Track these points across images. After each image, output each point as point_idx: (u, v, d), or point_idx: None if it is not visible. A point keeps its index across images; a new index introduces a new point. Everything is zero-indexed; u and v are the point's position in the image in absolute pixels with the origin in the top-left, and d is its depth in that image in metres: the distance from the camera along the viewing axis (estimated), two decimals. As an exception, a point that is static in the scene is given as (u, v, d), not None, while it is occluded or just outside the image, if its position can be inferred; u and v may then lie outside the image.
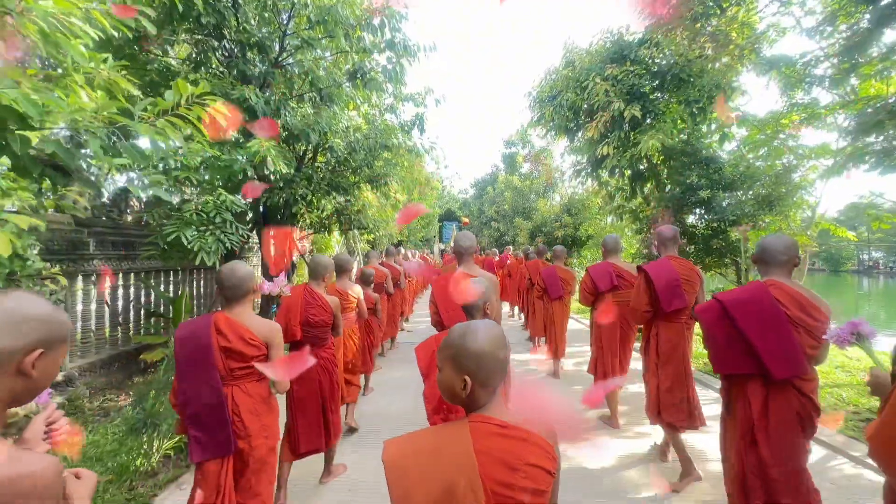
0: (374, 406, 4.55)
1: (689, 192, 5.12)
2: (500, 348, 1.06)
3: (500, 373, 1.06)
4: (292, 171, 6.14)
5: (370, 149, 6.40)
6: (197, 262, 4.07)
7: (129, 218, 5.59)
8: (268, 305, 6.75)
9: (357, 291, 3.90)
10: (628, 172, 7.28)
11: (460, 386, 1.03)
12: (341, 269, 3.87)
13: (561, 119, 7.83)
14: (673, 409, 2.96)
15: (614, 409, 3.83)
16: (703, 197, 4.96)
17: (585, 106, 6.83)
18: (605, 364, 3.90)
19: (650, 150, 5.44)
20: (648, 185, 7.19)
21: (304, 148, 6.60)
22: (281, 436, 2.27)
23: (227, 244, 4.21)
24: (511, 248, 13.98)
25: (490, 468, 0.98)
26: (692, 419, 2.96)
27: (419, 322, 9.87)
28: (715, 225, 5.22)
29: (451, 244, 4.69)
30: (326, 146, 5.74)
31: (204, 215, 4.04)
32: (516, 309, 10.43)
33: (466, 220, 31.10)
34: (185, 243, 3.90)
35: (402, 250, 12.28)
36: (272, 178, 5.29)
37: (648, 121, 6.03)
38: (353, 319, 3.93)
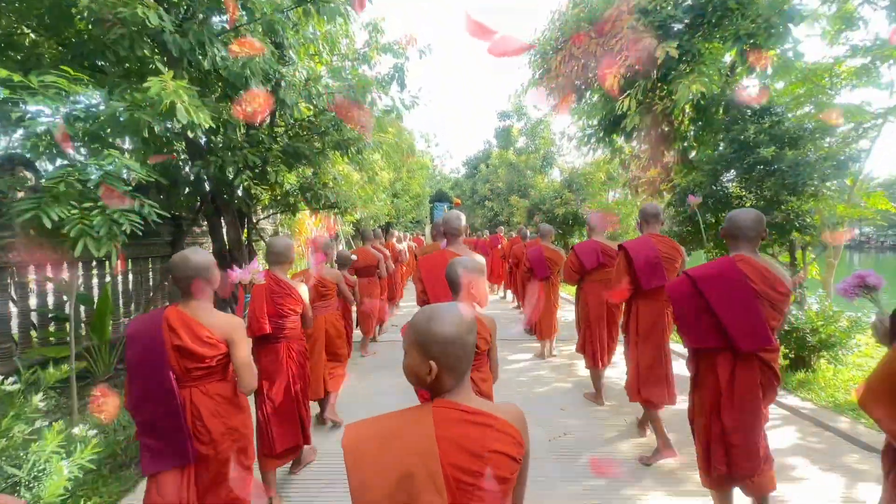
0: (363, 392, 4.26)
1: (746, 151, 3.96)
2: (468, 332, 1.02)
3: (467, 357, 1.03)
4: (239, 133, 4.90)
5: (338, 107, 5.15)
6: (77, 253, 2.87)
7: (21, 193, 4.33)
8: (223, 303, 5.57)
9: (336, 276, 3.65)
10: (648, 134, 6.10)
11: (425, 371, 1.00)
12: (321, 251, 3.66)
13: (568, 74, 6.58)
14: (652, 387, 2.98)
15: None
16: (765, 156, 3.81)
17: (600, 52, 5.59)
18: (594, 343, 3.90)
19: (693, 95, 4.26)
20: (675, 147, 6.02)
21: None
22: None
23: (126, 227, 3.02)
24: (503, 228, 13.27)
25: (452, 455, 0.95)
26: (670, 396, 3.00)
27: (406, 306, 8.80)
28: (769, 194, 4.10)
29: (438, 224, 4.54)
30: (279, 100, 4.48)
31: (80, 186, 2.82)
32: (509, 293, 9.83)
33: (458, 200, 30.22)
34: (51, 226, 2.70)
35: (396, 232, 11.24)
36: (194, 136, 4.05)
37: (682, 65, 4.84)
38: (335, 305, 3.71)
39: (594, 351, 3.89)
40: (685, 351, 2.30)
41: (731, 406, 2.02)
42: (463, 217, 2.83)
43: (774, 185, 3.90)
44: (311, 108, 5.38)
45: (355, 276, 5.04)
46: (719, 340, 2.03)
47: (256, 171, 4.70)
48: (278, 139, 5.13)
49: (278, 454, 2.63)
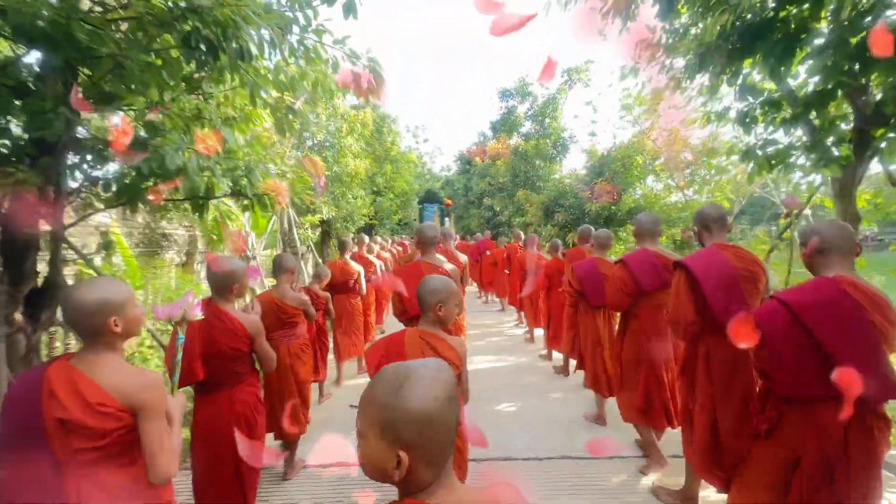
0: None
1: None
2: (452, 403, 0.74)
3: (450, 440, 0.74)
4: None
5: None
6: None
7: None
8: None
9: (298, 300, 3.15)
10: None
11: (392, 464, 0.70)
12: (282, 270, 3.17)
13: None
14: (738, 457, 2.13)
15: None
16: None
17: None
18: (658, 396, 2.89)
19: None
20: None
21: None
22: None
23: None
24: (489, 232, 11.76)
25: None
26: None
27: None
28: None
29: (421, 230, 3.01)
30: None
31: None
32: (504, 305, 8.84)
33: (449, 201, 28.44)
34: None
35: (379, 239, 9.80)
36: None
37: None
38: (302, 334, 3.22)
39: (664, 402, 2.89)
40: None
41: (848, 475, 1.56)
42: (436, 228, 3.06)
43: None
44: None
45: (327, 293, 4.34)
46: (827, 387, 1.49)
47: None
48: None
49: None
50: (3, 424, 1.27)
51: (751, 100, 4.17)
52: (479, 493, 0.79)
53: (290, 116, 2.98)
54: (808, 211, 6.45)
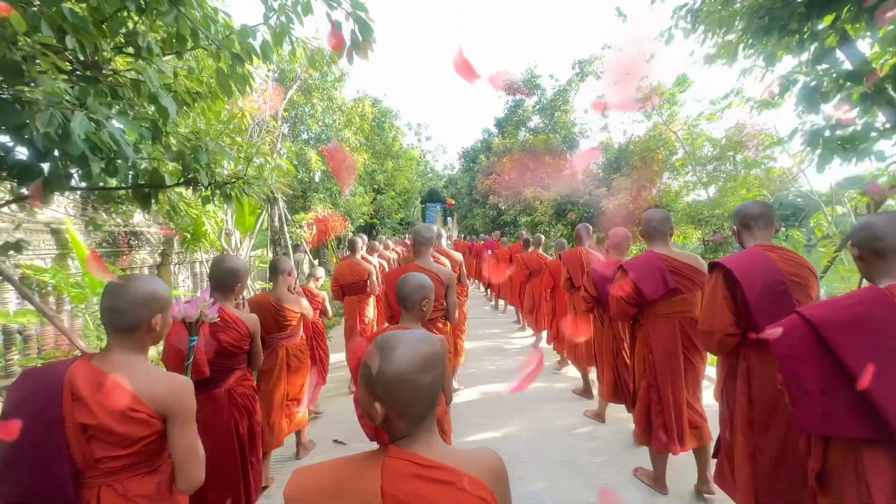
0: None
1: None
2: (421, 372, 0.84)
3: (422, 401, 0.85)
4: None
5: None
6: None
7: None
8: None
9: (301, 304, 3.12)
10: None
11: (373, 412, 0.84)
12: (278, 272, 3.06)
13: None
14: (782, 495, 1.82)
15: None
16: None
17: None
18: (666, 414, 2.56)
19: None
20: None
21: None
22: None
23: None
24: (497, 233, 11.33)
25: None
26: None
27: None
28: None
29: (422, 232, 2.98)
30: None
31: None
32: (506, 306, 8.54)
33: (452, 201, 28.08)
34: None
35: (383, 237, 9.16)
36: None
37: None
38: (298, 335, 3.16)
39: (666, 424, 2.56)
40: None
41: None
42: (433, 229, 3.13)
43: None
44: None
45: (323, 293, 4.07)
46: (866, 428, 1.26)
47: None
48: None
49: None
50: (7, 424, 1.12)
51: (820, 71, 3.42)
52: (458, 451, 0.87)
53: (239, 70, 2.25)
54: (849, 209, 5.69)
